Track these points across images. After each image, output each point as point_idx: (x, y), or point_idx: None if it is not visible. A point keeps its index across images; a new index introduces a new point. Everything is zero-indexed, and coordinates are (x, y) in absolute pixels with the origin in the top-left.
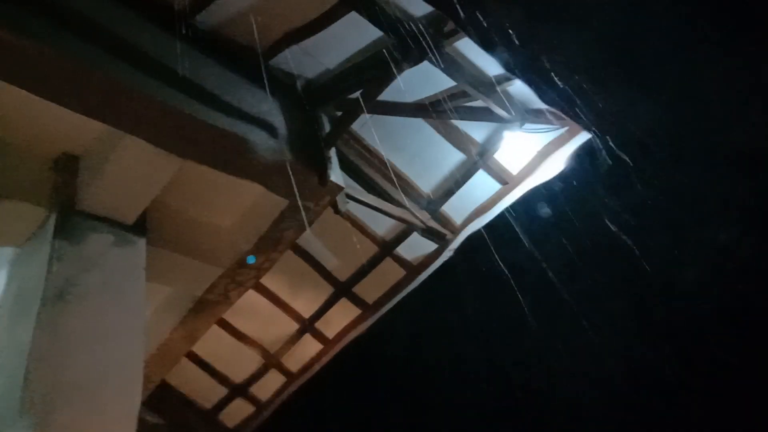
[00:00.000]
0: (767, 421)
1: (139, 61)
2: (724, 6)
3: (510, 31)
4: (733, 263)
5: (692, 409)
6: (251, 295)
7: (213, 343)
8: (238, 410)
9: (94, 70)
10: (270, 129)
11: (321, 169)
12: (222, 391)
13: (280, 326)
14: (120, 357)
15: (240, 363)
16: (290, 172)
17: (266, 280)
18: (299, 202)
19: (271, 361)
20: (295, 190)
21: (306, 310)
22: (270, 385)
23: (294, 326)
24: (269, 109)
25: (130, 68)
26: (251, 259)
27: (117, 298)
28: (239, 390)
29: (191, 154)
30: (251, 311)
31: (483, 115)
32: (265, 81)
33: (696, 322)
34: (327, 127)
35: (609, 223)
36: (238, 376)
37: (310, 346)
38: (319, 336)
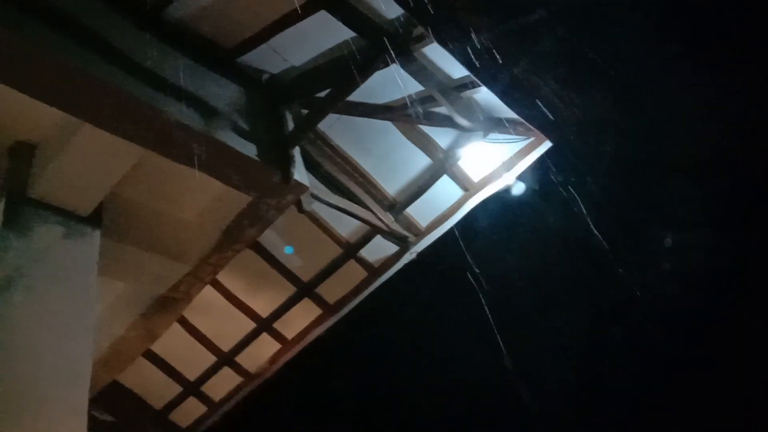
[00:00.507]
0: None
1: (102, 49)
2: (688, 23)
3: (478, 39)
4: (689, 266)
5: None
6: (208, 292)
7: (166, 341)
8: (191, 410)
9: (52, 53)
10: (232, 123)
11: (284, 167)
12: (174, 390)
13: (236, 325)
14: (68, 352)
15: (193, 361)
16: (251, 168)
17: (226, 279)
18: (260, 199)
19: (224, 360)
20: (256, 186)
21: (264, 309)
22: (224, 384)
23: (251, 325)
24: (234, 102)
25: (92, 56)
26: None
27: (66, 292)
28: (192, 389)
29: (149, 144)
30: (207, 308)
31: (448, 121)
32: (231, 75)
33: (655, 323)
34: (292, 125)
35: (568, 229)
36: (192, 374)
37: (267, 346)
38: (277, 336)
